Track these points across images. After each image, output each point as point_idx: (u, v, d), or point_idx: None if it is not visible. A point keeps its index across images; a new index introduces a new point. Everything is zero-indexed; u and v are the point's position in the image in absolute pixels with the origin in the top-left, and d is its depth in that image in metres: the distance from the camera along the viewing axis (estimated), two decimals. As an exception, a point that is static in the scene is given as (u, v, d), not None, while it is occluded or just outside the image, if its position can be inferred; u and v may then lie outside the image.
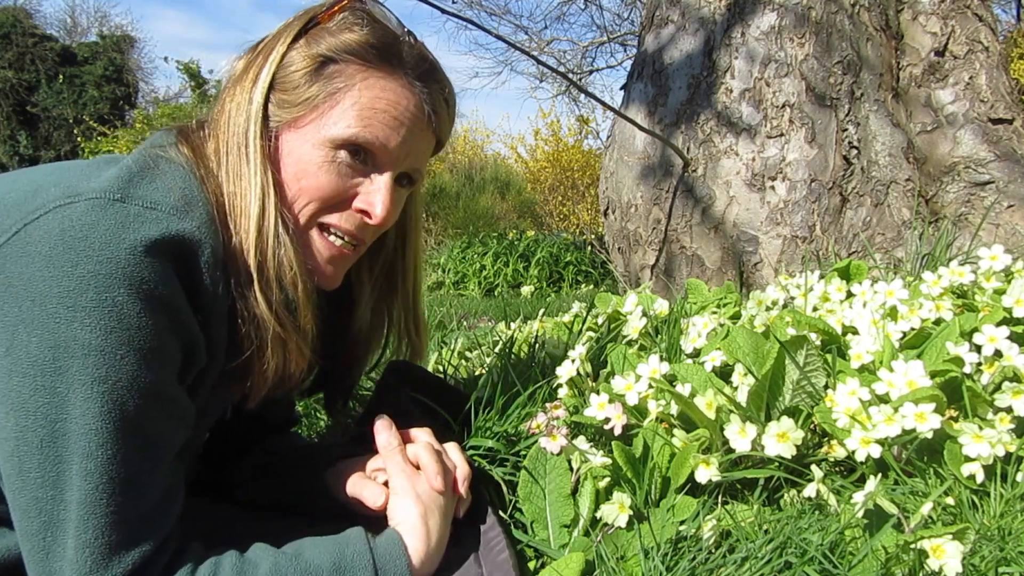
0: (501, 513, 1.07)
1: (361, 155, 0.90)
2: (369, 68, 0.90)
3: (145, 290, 0.74)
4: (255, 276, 0.85)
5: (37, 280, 0.71)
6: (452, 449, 1.01)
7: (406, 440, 1.01)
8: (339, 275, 0.96)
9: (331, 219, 0.91)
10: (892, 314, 1.31)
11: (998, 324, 1.16)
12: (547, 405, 1.21)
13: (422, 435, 1.01)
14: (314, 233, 0.91)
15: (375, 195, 0.91)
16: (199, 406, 0.86)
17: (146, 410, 0.75)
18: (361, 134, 0.89)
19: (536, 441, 1.10)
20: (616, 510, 0.99)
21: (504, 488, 1.12)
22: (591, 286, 6.48)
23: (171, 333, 0.77)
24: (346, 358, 1.11)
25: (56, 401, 0.71)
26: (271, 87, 0.90)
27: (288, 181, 0.89)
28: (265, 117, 0.89)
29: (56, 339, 0.71)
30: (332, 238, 0.92)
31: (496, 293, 6.53)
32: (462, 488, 0.98)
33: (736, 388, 1.18)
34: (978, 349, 1.12)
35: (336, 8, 0.92)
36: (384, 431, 0.98)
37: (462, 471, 0.99)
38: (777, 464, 1.04)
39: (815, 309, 1.48)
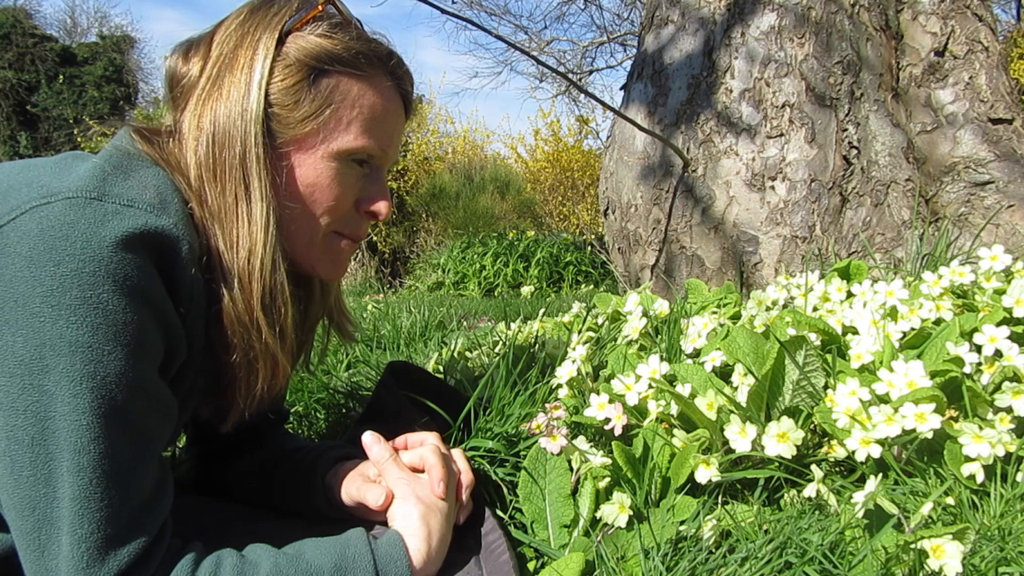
0: (501, 513, 1.07)
1: (365, 162, 0.95)
2: (360, 78, 0.92)
3: (129, 285, 0.74)
4: (258, 297, 0.86)
5: (19, 281, 0.71)
6: (457, 455, 1.02)
7: (413, 444, 1.01)
8: (345, 268, 1.01)
9: (340, 226, 0.96)
10: (892, 314, 1.31)
11: (998, 324, 1.16)
12: (547, 405, 1.21)
13: (430, 438, 1.01)
14: (331, 238, 0.96)
15: (380, 196, 0.97)
16: (179, 400, 0.86)
17: (134, 404, 0.75)
18: (369, 144, 0.93)
19: (536, 441, 1.10)
20: (616, 510, 0.99)
21: (504, 488, 1.12)
22: (591, 286, 6.48)
23: (155, 327, 0.78)
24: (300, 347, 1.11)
25: (44, 399, 0.71)
26: (266, 106, 0.87)
27: (294, 198, 0.90)
28: (265, 138, 0.87)
29: (41, 338, 0.71)
30: (344, 241, 0.98)
31: (496, 293, 6.53)
32: (464, 495, 0.98)
33: (736, 388, 1.18)
34: (978, 349, 1.12)
35: (309, 16, 0.91)
36: (374, 445, 0.99)
37: (466, 478, 0.99)
38: (777, 464, 1.04)
39: (815, 309, 1.48)
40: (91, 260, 0.72)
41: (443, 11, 2.20)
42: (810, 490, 0.96)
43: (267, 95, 0.88)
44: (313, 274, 0.99)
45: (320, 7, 0.92)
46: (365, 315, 3.47)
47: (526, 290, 6.20)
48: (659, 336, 1.56)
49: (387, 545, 0.87)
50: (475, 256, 6.98)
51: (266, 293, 0.87)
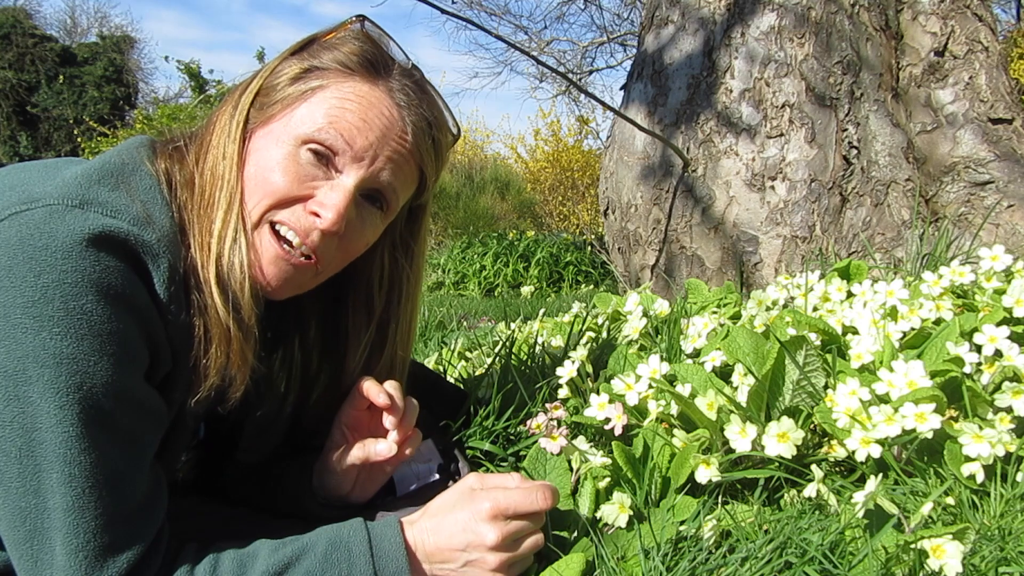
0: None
1: (324, 157, 0.87)
2: (350, 73, 0.90)
3: (112, 294, 0.73)
4: (213, 274, 0.83)
5: None
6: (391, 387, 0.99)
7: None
8: (282, 285, 0.89)
9: (282, 215, 0.87)
10: (892, 314, 1.31)
11: (998, 324, 1.16)
12: (547, 405, 1.21)
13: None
14: (265, 231, 0.87)
15: (329, 196, 0.87)
16: (174, 413, 0.86)
17: (122, 412, 0.75)
18: (324, 132, 0.86)
19: (536, 441, 1.10)
20: (616, 510, 0.99)
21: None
22: (591, 286, 6.49)
23: (140, 334, 0.77)
24: (322, 403, 1.07)
25: (30, 411, 0.71)
26: (257, 94, 0.91)
27: (250, 178, 0.87)
28: (246, 121, 0.90)
29: (24, 349, 0.70)
30: (283, 242, 0.88)
31: (496, 293, 6.53)
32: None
33: (736, 388, 1.18)
34: (978, 349, 1.12)
35: (338, 28, 0.94)
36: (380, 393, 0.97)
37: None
38: (777, 464, 1.04)
39: (815, 309, 1.48)
40: (73, 271, 0.71)
41: (443, 11, 2.20)
42: (810, 490, 0.96)
43: (262, 85, 0.91)
44: (262, 280, 0.88)
45: (351, 22, 0.95)
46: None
47: (526, 290, 6.21)
48: (659, 336, 1.56)
49: (383, 524, 0.87)
50: (475, 256, 6.98)
51: (224, 260, 0.84)
